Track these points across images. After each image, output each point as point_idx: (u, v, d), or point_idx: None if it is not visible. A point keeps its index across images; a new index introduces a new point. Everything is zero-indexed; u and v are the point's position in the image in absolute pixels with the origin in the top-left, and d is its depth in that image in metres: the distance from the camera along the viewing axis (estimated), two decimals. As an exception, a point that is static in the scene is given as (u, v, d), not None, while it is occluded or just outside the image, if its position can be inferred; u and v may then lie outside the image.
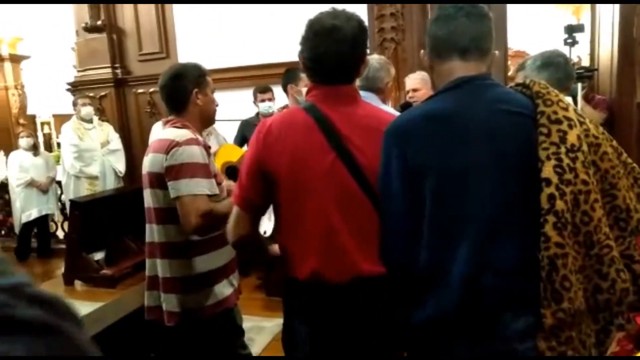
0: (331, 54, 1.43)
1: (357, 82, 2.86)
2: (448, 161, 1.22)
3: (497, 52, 1.36)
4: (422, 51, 1.41)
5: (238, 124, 4.42)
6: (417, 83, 3.38)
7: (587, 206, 1.17)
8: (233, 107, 4.26)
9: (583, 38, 4.59)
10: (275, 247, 1.64)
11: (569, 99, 1.44)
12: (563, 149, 1.17)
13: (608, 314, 1.24)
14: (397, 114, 2.89)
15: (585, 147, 1.20)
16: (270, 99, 4.21)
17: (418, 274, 1.27)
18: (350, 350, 1.47)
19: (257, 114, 4.31)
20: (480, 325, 1.23)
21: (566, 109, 1.22)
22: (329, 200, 1.42)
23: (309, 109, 1.46)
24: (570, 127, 1.20)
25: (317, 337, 1.48)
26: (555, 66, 1.89)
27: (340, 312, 1.45)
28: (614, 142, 1.31)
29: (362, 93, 2.75)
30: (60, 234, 6.22)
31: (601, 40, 4.59)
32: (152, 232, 2.01)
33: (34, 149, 5.86)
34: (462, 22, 1.29)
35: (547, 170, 1.16)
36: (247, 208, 1.52)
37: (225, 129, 4.38)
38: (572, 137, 1.18)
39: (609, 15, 4.28)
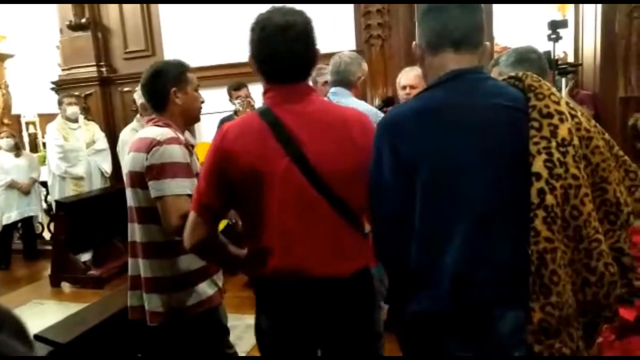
0: (287, 53, 1.41)
1: (329, 77, 2.85)
2: (440, 155, 1.21)
3: (487, 43, 1.35)
4: (413, 43, 1.39)
5: (217, 121, 4.38)
6: (413, 79, 3.32)
7: (576, 200, 1.17)
8: (220, 104, 4.24)
9: (567, 34, 4.63)
10: (238, 250, 1.64)
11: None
12: (554, 143, 1.17)
13: (596, 307, 1.25)
14: (369, 107, 2.85)
15: (576, 141, 1.20)
16: (246, 96, 4.20)
17: (411, 268, 1.27)
18: (309, 350, 1.54)
19: (235, 111, 4.30)
20: (472, 320, 1.23)
21: (558, 103, 1.22)
22: (284, 203, 1.41)
23: (264, 113, 1.45)
24: (562, 121, 1.19)
25: (278, 334, 1.52)
26: (529, 62, 1.90)
27: (296, 311, 1.48)
28: (606, 135, 1.31)
29: (333, 88, 2.77)
30: (46, 235, 6.13)
31: (585, 35, 4.65)
32: (134, 232, 1.98)
33: (16, 149, 5.75)
34: (456, 14, 1.27)
35: (538, 165, 1.16)
36: (204, 213, 1.49)
37: (205, 124, 4.33)
38: (563, 131, 1.18)
39: (592, 11, 4.33)
